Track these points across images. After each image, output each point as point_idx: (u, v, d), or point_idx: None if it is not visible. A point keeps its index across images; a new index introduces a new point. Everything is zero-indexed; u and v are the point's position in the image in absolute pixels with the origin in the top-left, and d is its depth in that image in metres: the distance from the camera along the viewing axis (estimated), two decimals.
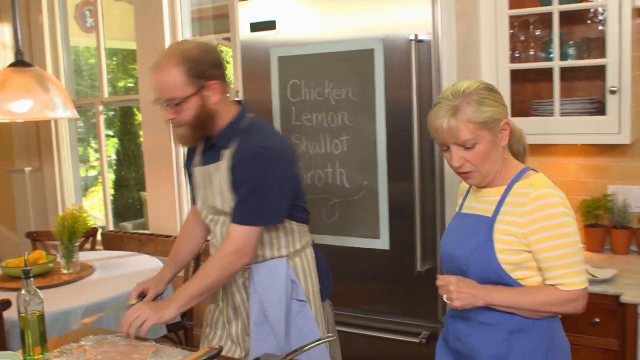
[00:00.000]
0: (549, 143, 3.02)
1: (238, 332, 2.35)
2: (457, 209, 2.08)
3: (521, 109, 3.09)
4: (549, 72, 2.93)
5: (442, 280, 1.85)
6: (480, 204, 1.93)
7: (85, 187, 6.22)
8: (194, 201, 2.45)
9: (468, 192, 2.05)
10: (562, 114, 2.89)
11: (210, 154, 2.26)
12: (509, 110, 2.94)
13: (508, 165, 1.92)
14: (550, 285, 1.82)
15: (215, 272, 2.15)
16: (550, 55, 2.96)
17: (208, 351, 1.86)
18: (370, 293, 2.97)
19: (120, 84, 5.88)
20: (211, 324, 2.44)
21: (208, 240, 2.47)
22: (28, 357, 2.07)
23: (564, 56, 2.95)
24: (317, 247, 2.46)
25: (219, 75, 2.17)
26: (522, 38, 3.06)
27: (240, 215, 2.16)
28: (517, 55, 3.05)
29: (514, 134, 1.97)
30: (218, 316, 2.42)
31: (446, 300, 1.84)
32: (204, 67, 2.13)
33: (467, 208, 2.01)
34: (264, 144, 2.19)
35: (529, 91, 3.19)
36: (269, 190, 2.18)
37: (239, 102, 2.32)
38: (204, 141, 2.29)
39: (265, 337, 2.26)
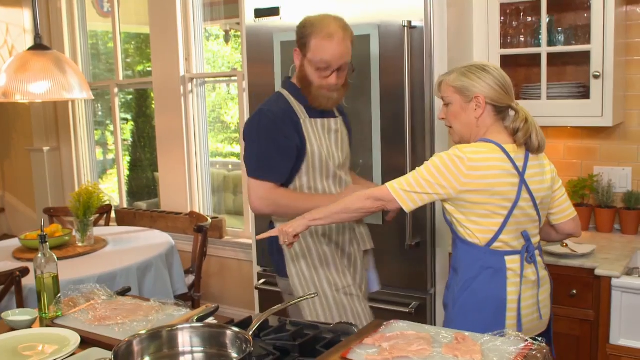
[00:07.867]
0: None
1: None
2: None
3: None
4: (539, 57, 3.05)
5: None
6: None
7: (104, 169, 6.43)
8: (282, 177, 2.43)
9: None
10: (549, 98, 3.02)
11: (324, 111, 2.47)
12: None
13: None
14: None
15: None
16: (539, 42, 3.09)
17: (205, 309, 2.04)
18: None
19: (139, 67, 6.05)
20: None
21: None
22: (44, 315, 2.26)
23: (553, 42, 3.08)
24: None
25: None
26: (514, 24, 3.19)
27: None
28: (508, 41, 3.19)
29: (517, 116, 2.15)
30: None
31: None
32: None
33: None
34: None
35: (520, 76, 3.32)
36: None
37: None
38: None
39: None
